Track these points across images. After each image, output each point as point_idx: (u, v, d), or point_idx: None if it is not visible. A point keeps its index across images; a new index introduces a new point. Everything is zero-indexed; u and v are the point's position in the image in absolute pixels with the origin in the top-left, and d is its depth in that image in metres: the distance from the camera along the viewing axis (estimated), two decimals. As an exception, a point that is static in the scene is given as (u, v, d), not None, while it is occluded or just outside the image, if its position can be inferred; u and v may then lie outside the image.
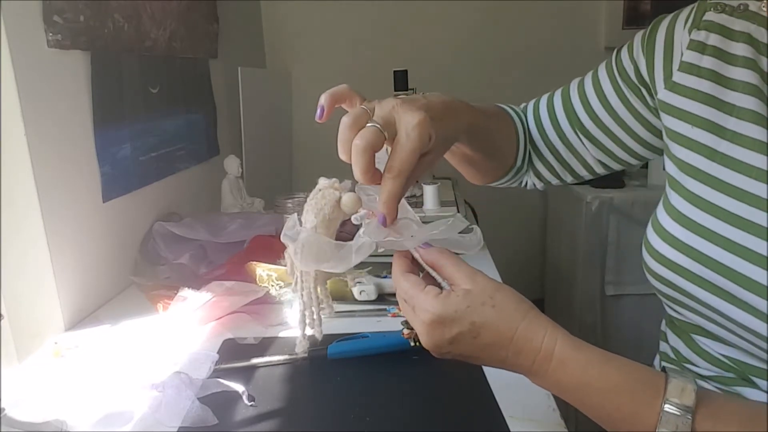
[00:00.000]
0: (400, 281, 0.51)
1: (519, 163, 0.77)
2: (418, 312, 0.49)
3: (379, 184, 0.51)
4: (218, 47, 1.54)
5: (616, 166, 0.75)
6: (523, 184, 0.83)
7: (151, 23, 1.15)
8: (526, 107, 0.80)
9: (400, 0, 1.77)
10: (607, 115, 0.70)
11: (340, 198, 0.53)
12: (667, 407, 0.42)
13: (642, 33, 0.67)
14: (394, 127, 0.51)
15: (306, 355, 0.76)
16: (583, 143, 0.73)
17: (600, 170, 0.76)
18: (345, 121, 0.51)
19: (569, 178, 0.78)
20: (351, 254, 0.51)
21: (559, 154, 0.76)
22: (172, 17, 1.25)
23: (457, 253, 0.52)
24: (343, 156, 0.52)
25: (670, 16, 0.65)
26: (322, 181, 0.54)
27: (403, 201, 0.53)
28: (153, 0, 1.16)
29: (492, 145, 0.71)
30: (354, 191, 0.54)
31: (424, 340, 0.50)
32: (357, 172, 0.51)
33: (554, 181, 0.80)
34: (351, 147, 0.50)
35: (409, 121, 0.50)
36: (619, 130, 0.70)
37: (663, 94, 0.63)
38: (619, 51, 0.70)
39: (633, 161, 0.73)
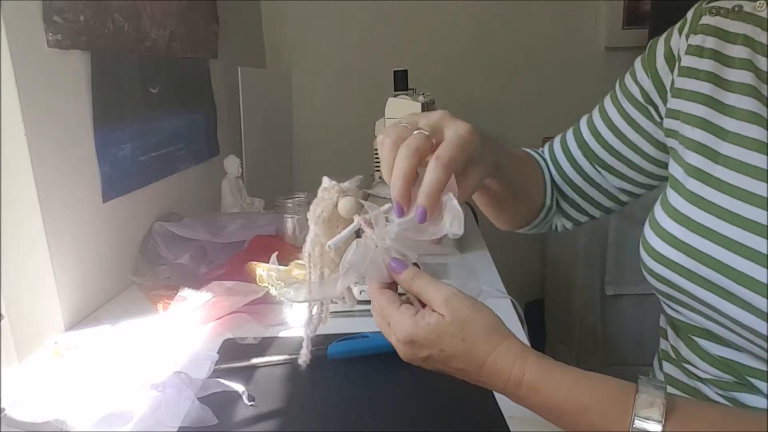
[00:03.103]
0: (377, 296, 0.52)
1: (549, 202, 0.78)
2: (392, 329, 0.50)
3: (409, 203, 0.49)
4: (218, 47, 1.53)
5: (639, 191, 0.75)
6: (553, 226, 0.83)
7: (151, 23, 1.15)
8: (543, 151, 0.81)
9: (401, 0, 1.77)
10: (617, 141, 0.71)
11: (338, 201, 0.53)
12: (637, 422, 0.43)
13: (641, 57, 0.69)
14: (441, 134, 0.50)
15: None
16: (601, 174, 0.74)
17: (624, 198, 0.76)
18: (386, 141, 0.50)
19: (597, 213, 0.78)
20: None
21: (581, 190, 0.76)
22: (172, 17, 1.25)
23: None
24: (387, 176, 0.50)
25: (663, 35, 0.67)
26: (325, 182, 0.55)
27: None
28: (153, 0, 1.16)
29: (521, 183, 0.73)
30: (352, 195, 0.53)
31: (399, 353, 0.52)
32: (397, 176, 0.48)
33: (583, 219, 0.79)
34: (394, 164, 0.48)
35: (459, 125, 0.50)
36: (632, 153, 0.71)
37: (670, 103, 0.64)
38: (622, 79, 0.72)
39: (654, 182, 0.74)
